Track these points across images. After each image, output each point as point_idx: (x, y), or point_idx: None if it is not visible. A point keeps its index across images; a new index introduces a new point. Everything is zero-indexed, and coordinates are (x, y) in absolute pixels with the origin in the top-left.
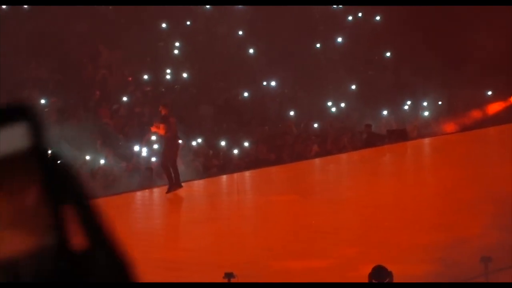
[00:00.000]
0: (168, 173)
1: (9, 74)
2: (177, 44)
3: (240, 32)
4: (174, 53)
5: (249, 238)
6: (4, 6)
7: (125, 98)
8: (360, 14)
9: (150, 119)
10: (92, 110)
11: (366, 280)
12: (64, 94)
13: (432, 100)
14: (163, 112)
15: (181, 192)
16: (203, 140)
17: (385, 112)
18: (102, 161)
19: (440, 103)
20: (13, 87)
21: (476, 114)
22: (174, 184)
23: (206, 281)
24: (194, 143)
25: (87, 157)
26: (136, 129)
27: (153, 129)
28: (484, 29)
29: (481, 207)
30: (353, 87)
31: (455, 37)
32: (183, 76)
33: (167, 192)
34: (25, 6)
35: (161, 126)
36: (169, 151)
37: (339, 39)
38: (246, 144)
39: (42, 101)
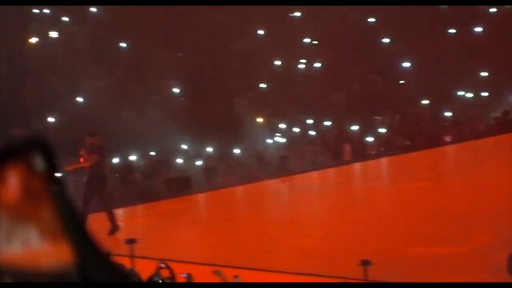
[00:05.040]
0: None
1: (146, 66)
2: (309, 33)
3: (373, 19)
4: (306, 42)
5: (384, 225)
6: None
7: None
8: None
9: (281, 111)
10: (229, 97)
11: (504, 268)
12: (201, 81)
13: None
14: (93, 142)
15: (315, 180)
16: (335, 127)
17: None
18: (236, 150)
19: None
20: (150, 77)
21: None
22: (115, 226)
23: (342, 268)
24: (326, 130)
25: (210, 149)
26: (271, 117)
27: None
28: None
29: None
30: (486, 74)
31: None
32: (315, 65)
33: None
34: None
35: (91, 156)
36: (103, 187)
37: (477, 28)
38: (380, 130)
39: (176, 90)
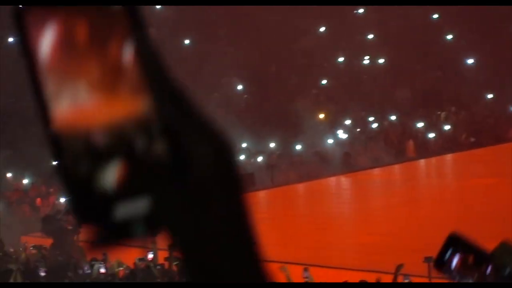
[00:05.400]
0: None
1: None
2: (372, 29)
3: (436, 16)
4: (369, 39)
5: (448, 221)
6: None
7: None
8: None
9: (343, 108)
10: (291, 94)
11: None
12: (263, 78)
13: None
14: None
15: (378, 176)
16: (398, 124)
17: None
18: (298, 147)
19: None
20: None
21: None
22: None
23: (407, 265)
24: (389, 127)
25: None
26: (330, 115)
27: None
28: None
29: None
30: None
31: None
32: (379, 61)
33: None
34: None
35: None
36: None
37: None
38: (444, 127)
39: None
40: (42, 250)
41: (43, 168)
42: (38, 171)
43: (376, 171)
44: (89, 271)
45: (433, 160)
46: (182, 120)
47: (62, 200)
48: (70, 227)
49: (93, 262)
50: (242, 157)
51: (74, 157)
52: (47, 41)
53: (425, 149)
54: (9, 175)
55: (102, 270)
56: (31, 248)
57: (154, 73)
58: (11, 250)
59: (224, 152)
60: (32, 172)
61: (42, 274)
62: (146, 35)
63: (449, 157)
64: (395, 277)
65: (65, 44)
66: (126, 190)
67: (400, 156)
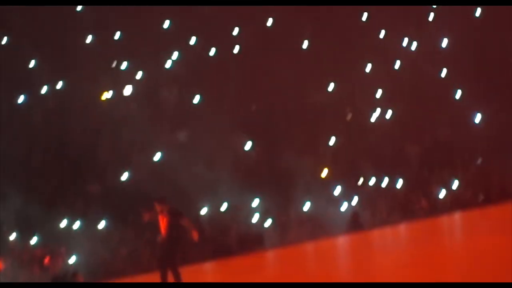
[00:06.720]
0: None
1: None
2: (381, 85)
3: (445, 71)
4: (378, 94)
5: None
6: None
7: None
8: None
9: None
10: (300, 151)
11: None
12: (272, 135)
13: None
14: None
15: (386, 235)
16: (407, 182)
17: None
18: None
19: None
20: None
21: None
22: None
23: None
24: (398, 185)
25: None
26: (344, 173)
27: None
28: None
29: None
30: None
31: None
32: (386, 116)
33: None
34: None
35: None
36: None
37: None
38: (455, 185)
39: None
40: None
41: (49, 227)
42: (45, 231)
43: (385, 230)
44: None
45: (443, 218)
46: None
47: (70, 260)
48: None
49: None
50: (251, 215)
51: None
52: None
53: (435, 207)
54: (14, 235)
55: None
56: None
57: None
58: None
59: None
60: (39, 232)
61: None
62: None
63: (458, 215)
64: None
65: None
66: None
67: (409, 214)
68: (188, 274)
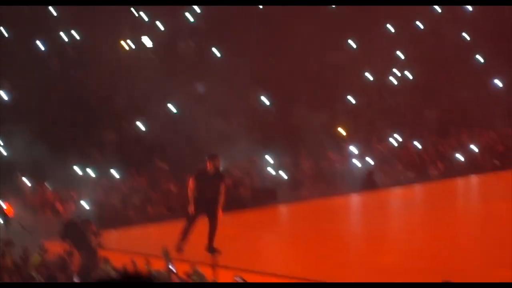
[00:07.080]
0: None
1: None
2: (402, 46)
3: (467, 35)
4: (399, 55)
5: (469, 245)
6: None
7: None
8: None
9: (369, 124)
10: (317, 109)
11: None
12: (291, 92)
13: None
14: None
15: (401, 196)
16: (424, 144)
17: None
18: (323, 163)
19: None
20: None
21: None
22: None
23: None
24: (414, 146)
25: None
26: (361, 133)
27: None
28: None
29: None
30: None
31: None
32: (408, 79)
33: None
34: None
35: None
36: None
37: None
38: (471, 148)
39: (266, 100)
40: (62, 255)
41: (62, 174)
42: (58, 176)
43: (399, 190)
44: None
45: (457, 181)
46: None
47: (83, 205)
48: (90, 233)
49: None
50: (266, 170)
51: None
52: None
53: (449, 170)
54: (26, 180)
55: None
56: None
57: None
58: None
59: None
60: (52, 177)
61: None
62: None
63: (473, 178)
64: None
65: None
66: None
67: (424, 175)
68: (201, 224)
